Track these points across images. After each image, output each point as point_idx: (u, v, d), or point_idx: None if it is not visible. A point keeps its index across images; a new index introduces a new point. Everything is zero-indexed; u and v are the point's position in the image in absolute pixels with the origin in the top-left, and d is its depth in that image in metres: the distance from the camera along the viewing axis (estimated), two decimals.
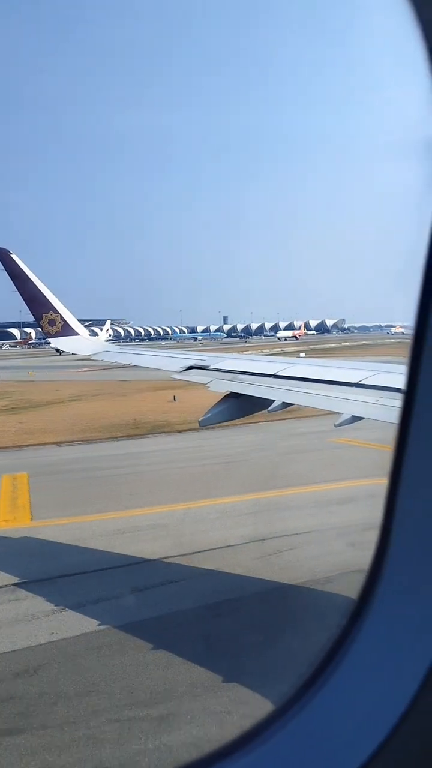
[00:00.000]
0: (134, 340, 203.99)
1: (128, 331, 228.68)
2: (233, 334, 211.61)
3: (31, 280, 11.51)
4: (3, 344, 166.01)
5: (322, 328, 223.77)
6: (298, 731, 1.60)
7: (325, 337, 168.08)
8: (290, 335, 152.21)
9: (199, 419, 8.51)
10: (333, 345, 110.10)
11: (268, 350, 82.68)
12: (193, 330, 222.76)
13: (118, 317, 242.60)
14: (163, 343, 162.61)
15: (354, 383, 6.94)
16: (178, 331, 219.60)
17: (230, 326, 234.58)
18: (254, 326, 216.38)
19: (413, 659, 1.53)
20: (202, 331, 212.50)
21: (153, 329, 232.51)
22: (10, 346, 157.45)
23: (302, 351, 77.28)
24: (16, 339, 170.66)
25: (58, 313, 11.83)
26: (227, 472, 17.16)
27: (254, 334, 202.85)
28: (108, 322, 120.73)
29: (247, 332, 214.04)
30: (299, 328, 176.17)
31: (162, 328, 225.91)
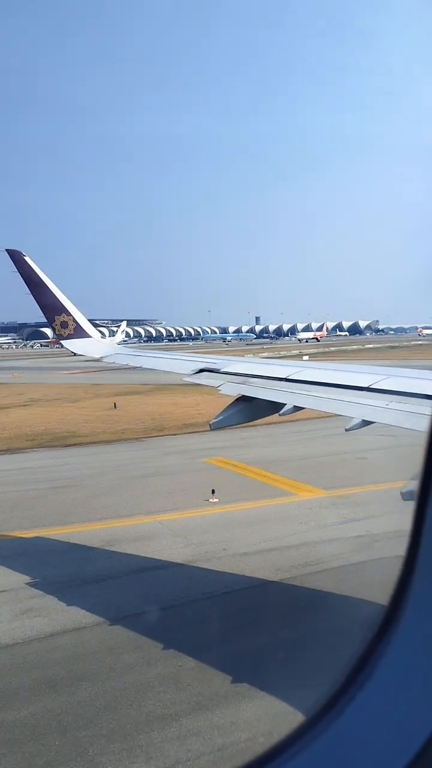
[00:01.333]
0: (164, 340, 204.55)
1: (160, 332, 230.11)
2: (264, 334, 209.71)
3: (44, 283, 11.49)
4: (35, 343, 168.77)
5: (355, 330, 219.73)
6: (325, 747, 1.56)
7: (352, 339, 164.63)
8: (311, 337, 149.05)
9: (210, 422, 8.41)
10: (355, 347, 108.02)
11: (266, 354, 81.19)
12: (224, 330, 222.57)
13: (151, 318, 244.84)
14: (191, 343, 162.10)
15: (364, 387, 6.85)
16: (209, 332, 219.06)
17: (262, 327, 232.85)
18: (286, 327, 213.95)
19: None
20: (234, 332, 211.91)
21: (185, 329, 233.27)
22: (41, 345, 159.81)
23: (306, 354, 75.10)
24: (48, 338, 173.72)
25: (71, 315, 11.80)
26: (37, 501, 16.01)
27: (286, 335, 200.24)
28: (123, 323, 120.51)
29: (279, 333, 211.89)
30: (322, 329, 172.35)
31: (193, 329, 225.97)
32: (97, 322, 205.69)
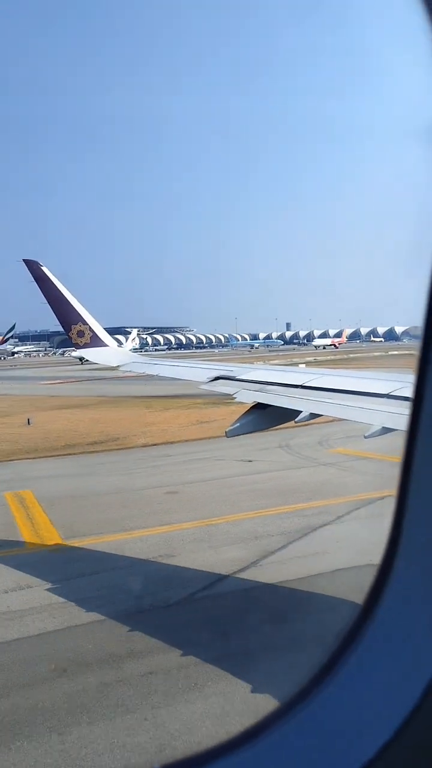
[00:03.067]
0: (193, 348, 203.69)
1: (189, 339, 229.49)
2: (295, 340, 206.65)
3: (60, 292, 11.57)
4: (65, 351, 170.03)
5: (390, 336, 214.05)
6: (301, 728, 1.61)
7: (386, 345, 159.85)
8: (328, 343, 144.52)
9: (226, 429, 8.41)
10: (378, 353, 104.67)
11: (277, 361, 78.79)
12: (255, 337, 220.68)
13: (181, 325, 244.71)
14: (216, 351, 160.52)
15: (384, 394, 6.83)
16: (239, 339, 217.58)
17: (292, 333, 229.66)
18: (317, 332, 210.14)
19: (419, 662, 1.57)
20: (265, 338, 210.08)
21: (214, 336, 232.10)
22: (71, 354, 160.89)
23: (311, 361, 72.64)
24: None
25: (87, 324, 11.84)
26: None
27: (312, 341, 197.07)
28: (134, 331, 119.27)
29: (309, 339, 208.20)
30: (341, 336, 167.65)
31: (223, 336, 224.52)
32: (128, 329, 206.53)
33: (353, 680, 1.61)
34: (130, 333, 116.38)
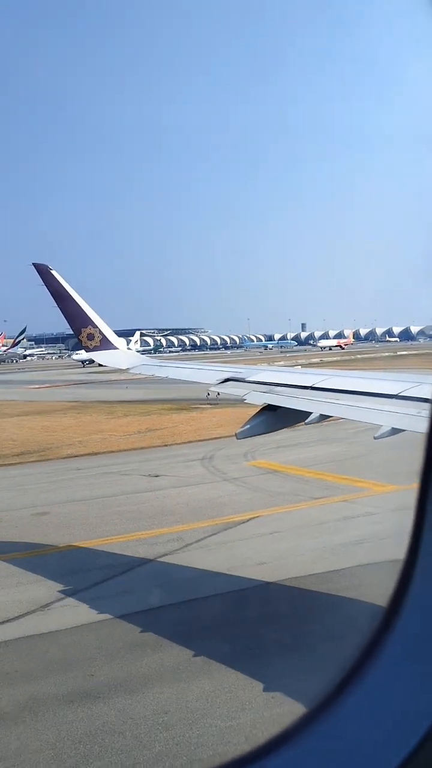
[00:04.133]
0: (207, 349, 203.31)
1: (204, 340, 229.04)
2: (310, 341, 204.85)
3: (69, 295, 11.59)
4: (70, 354, 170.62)
5: (405, 336, 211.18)
6: (327, 735, 1.60)
7: (394, 345, 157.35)
8: (334, 344, 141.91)
9: (236, 432, 8.38)
10: (386, 354, 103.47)
11: (282, 363, 77.94)
12: (270, 338, 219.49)
13: (196, 326, 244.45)
14: (229, 352, 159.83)
15: (393, 395, 6.83)
16: (254, 340, 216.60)
17: (308, 333, 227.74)
18: (332, 333, 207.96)
19: None
20: (280, 339, 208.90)
21: (229, 338, 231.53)
22: (73, 357, 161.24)
23: (313, 360, 71.80)
24: None
25: (97, 327, 11.83)
26: None
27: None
28: (137, 333, 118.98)
29: (325, 338, 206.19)
30: (347, 336, 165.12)
31: (238, 337, 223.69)
32: (144, 331, 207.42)
33: (377, 688, 1.61)
34: (145, 335, 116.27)
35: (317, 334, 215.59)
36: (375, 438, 6.41)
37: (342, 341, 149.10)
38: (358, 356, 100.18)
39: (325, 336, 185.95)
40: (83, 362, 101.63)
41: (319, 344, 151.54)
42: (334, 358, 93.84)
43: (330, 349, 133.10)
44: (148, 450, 23.79)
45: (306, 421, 7.45)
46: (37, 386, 62.02)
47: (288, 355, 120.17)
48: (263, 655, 7.79)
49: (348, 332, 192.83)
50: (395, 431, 6.26)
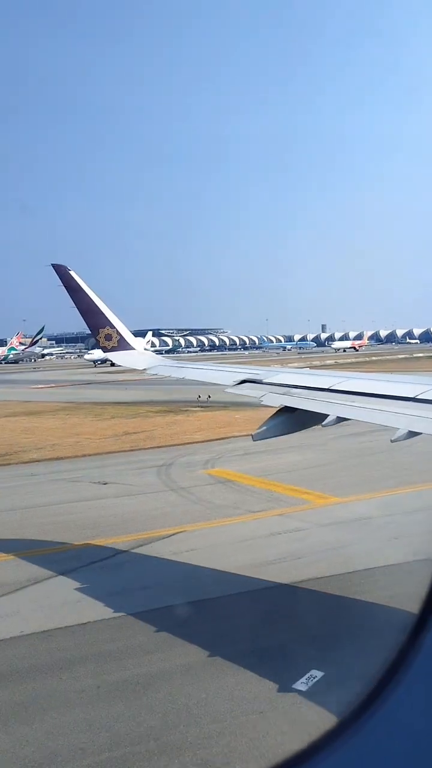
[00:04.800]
0: (222, 350, 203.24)
1: (223, 341, 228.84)
2: (329, 342, 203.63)
3: (88, 296, 11.65)
4: (83, 353, 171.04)
5: (426, 337, 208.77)
6: (358, 746, 1.58)
7: (414, 347, 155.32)
8: (348, 346, 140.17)
9: (253, 433, 8.27)
10: (402, 356, 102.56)
11: (296, 364, 77.31)
12: (290, 339, 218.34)
13: (216, 327, 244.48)
14: (246, 353, 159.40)
15: (411, 398, 6.83)
16: (273, 341, 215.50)
17: (328, 334, 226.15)
18: (352, 334, 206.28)
19: None
20: (300, 340, 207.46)
21: (248, 338, 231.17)
22: (85, 357, 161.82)
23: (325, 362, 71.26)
24: None
25: (114, 328, 11.88)
26: None
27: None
28: (149, 334, 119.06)
29: (345, 340, 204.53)
30: (362, 338, 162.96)
31: (257, 337, 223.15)
32: (163, 332, 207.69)
33: (408, 699, 1.58)
34: (164, 335, 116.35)
35: (337, 335, 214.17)
36: (392, 441, 6.42)
37: (356, 343, 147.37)
38: (372, 358, 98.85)
39: (345, 337, 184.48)
40: (95, 362, 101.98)
41: (333, 346, 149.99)
42: (348, 360, 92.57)
43: (344, 350, 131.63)
44: (113, 455, 23.23)
45: (323, 423, 7.47)
46: (40, 386, 62.07)
47: (303, 356, 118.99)
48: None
49: (367, 334, 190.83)
50: (412, 434, 6.27)
